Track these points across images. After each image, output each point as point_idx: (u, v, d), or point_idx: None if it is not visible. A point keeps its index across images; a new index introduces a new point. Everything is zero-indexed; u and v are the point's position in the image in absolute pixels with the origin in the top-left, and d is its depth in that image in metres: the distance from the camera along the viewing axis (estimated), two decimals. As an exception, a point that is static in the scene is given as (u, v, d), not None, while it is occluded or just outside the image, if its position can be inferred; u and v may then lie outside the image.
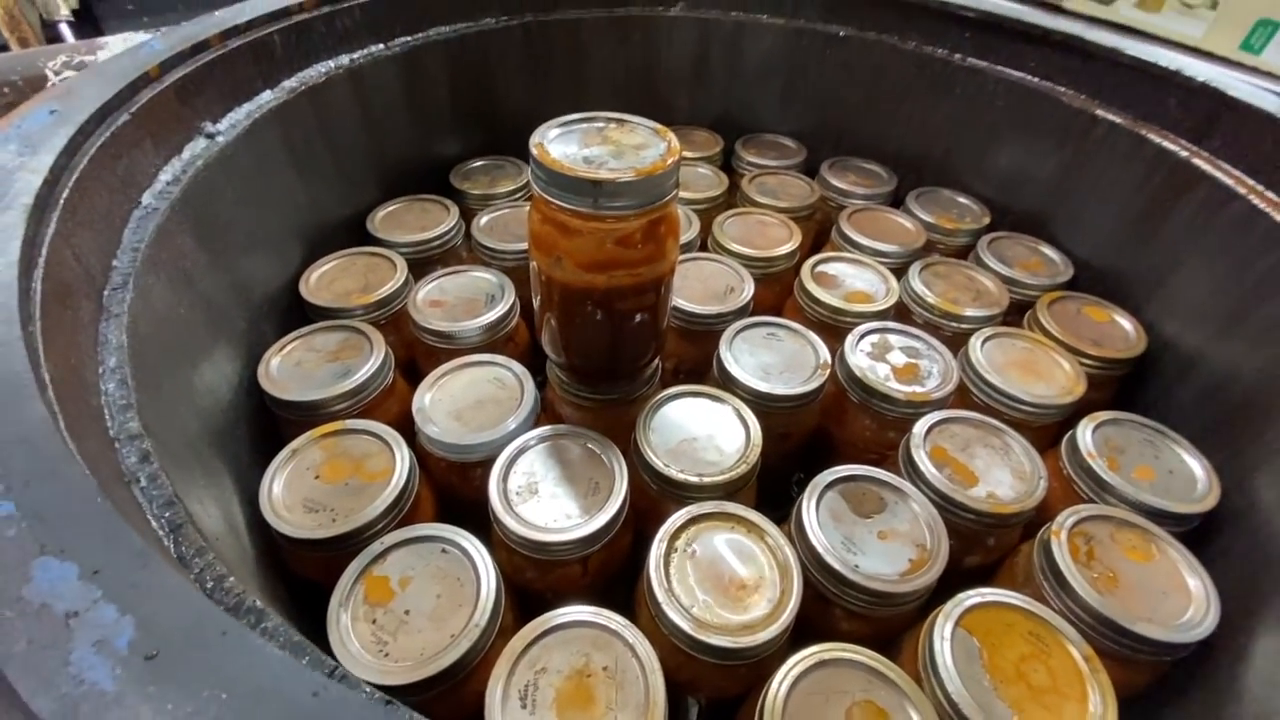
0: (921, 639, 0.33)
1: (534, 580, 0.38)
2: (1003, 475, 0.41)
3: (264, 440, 0.42)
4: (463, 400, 0.43)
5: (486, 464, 0.41)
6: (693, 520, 0.36)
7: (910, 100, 0.67)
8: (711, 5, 0.69)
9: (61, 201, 0.29)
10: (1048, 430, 0.47)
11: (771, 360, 0.47)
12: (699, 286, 0.53)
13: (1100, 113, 0.54)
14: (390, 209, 0.60)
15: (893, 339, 0.49)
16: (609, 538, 0.37)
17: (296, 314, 0.50)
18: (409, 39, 0.57)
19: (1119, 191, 0.54)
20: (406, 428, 0.41)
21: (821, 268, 0.55)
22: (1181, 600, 0.34)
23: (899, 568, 0.35)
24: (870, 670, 0.31)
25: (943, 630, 0.32)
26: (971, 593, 0.34)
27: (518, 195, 0.64)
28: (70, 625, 0.15)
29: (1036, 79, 0.59)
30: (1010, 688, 0.31)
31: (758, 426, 0.41)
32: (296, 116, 0.49)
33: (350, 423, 0.40)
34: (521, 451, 0.40)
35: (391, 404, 0.47)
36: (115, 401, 0.25)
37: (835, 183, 0.68)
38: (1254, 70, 0.72)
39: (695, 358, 0.52)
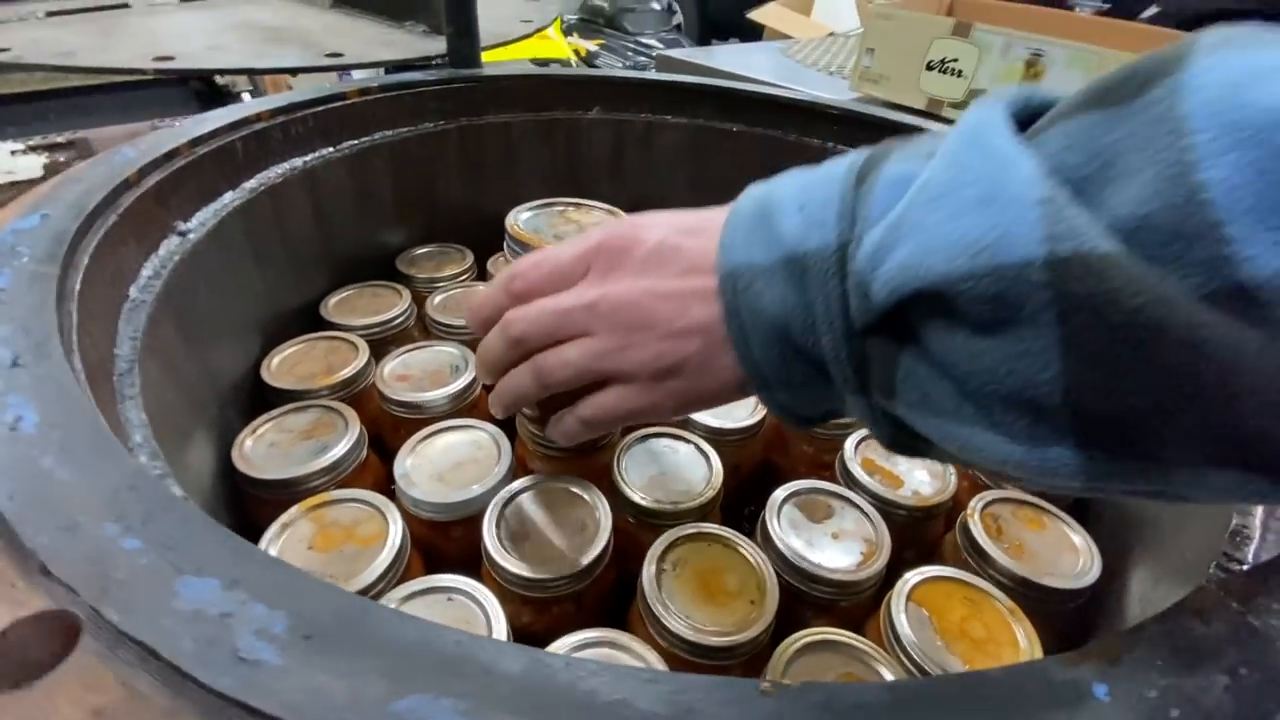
0: (881, 617, 0.38)
1: (531, 623, 0.40)
2: (922, 476, 0.48)
3: (244, 527, 0.42)
4: (442, 463, 0.46)
5: (469, 521, 0.43)
6: (675, 542, 0.40)
7: (797, 181, 0.79)
8: (624, 109, 0.79)
9: (76, 295, 0.31)
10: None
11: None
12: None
13: (945, 184, 0.68)
14: (343, 295, 0.62)
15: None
16: (601, 569, 0.40)
17: (259, 400, 0.51)
18: (356, 142, 0.62)
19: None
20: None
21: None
22: (1072, 557, 0.42)
23: (854, 560, 0.41)
24: (847, 647, 0.36)
25: (898, 606, 0.38)
26: (914, 572, 0.40)
27: (463, 277, 0.69)
28: (228, 623, 0.17)
29: (894, 160, 0.72)
30: (958, 644, 0.36)
31: (717, 457, 0.47)
32: (257, 213, 0.52)
33: (337, 492, 0.42)
34: (509, 501, 0.43)
35: (366, 476, 0.48)
36: (150, 471, 0.27)
37: (744, 251, 0.78)
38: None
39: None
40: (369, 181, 0.65)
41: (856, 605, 0.42)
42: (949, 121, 0.78)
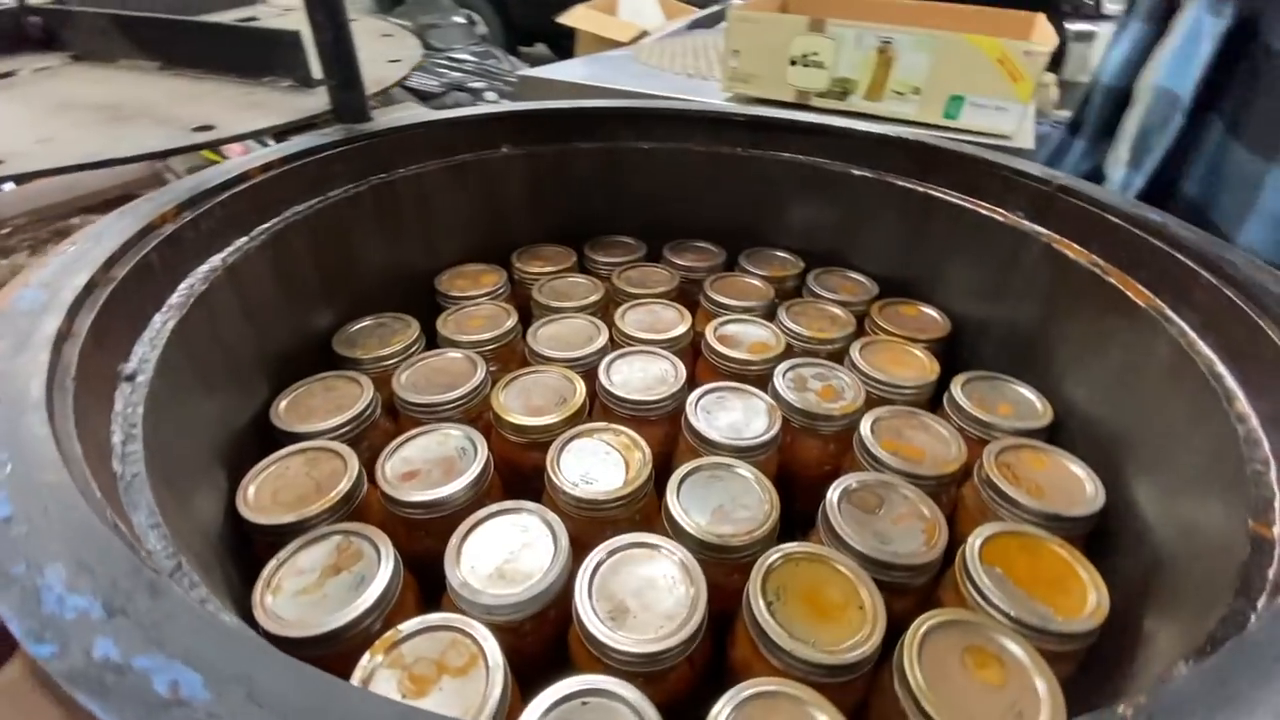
0: (962, 585, 0.42)
1: (654, 694, 0.39)
2: (935, 444, 0.53)
3: None
4: (495, 557, 0.42)
5: (541, 611, 0.41)
6: (770, 570, 0.41)
7: (713, 188, 0.82)
8: (533, 141, 0.77)
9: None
10: (923, 406, 0.61)
11: (734, 418, 0.54)
12: (637, 379, 0.58)
13: (855, 171, 0.74)
14: (293, 396, 0.55)
15: (803, 371, 0.60)
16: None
17: (242, 543, 0.44)
18: (269, 225, 0.55)
19: (887, 222, 0.74)
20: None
21: (720, 332, 0.65)
22: (1079, 487, 0.49)
23: (920, 539, 0.44)
24: (961, 622, 0.38)
25: (976, 570, 0.41)
26: (973, 535, 0.44)
27: (414, 348, 0.63)
28: None
29: (802, 156, 0.77)
30: (1037, 590, 0.41)
31: (764, 476, 0.48)
32: (192, 330, 0.44)
33: (405, 625, 0.37)
34: (594, 575, 0.40)
35: (409, 598, 0.43)
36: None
37: (681, 262, 0.79)
38: (956, 130, 1.05)
39: (651, 438, 0.57)
40: (291, 265, 0.57)
41: (929, 579, 0.45)
42: (818, 110, 0.84)
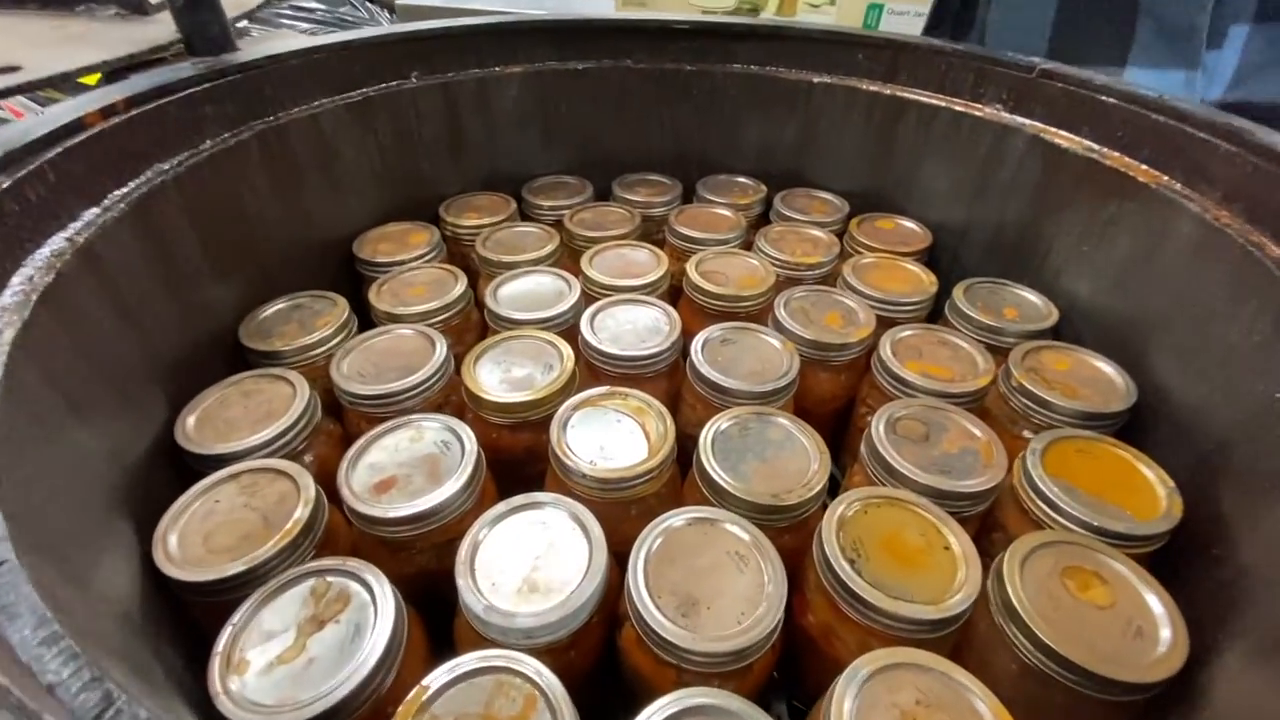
0: (1028, 502, 0.39)
1: (739, 687, 0.33)
2: (959, 359, 0.49)
3: None
4: (521, 564, 0.34)
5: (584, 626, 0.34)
6: (842, 527, 0.36)
7: (658, 111, 0.73)
8: (446, 67, 0.65)
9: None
10: (924, 320, 0.58)
11: (747, 362, 0.48)
12: (628, 332, 0.51)
13: (815, 79, 0.68)
14: (203, 409, 0.43)
15: (801, 301, 0.55)
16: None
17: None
18: (128, 190, 0.41)
19: (852, 131, 0.69)
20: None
21: (702, 268, 0.58)
22: (1108, 382, 0.47)
23: (978, 466, 0.41)
24: (1053, 544, 0.35)
25: (1042, 483, 0.38)
26: (1028, 452, 0.41)
27: (344, 330, 0.52)
28: None
29: (755, 67, 0.70)
30: (1107, 494, 0.38)
31: (808, 426, 0.42)
32: (43, 337, 0.31)
33: (433, 679, 0.29)
34: (647, 566, 0.34)
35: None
36: None
37: (634, 198, 0.71)
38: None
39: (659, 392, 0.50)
40: (167, 241, 0.44)
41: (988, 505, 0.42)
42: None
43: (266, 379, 0.46)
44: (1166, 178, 0.46)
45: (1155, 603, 0.33)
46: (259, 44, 0.56)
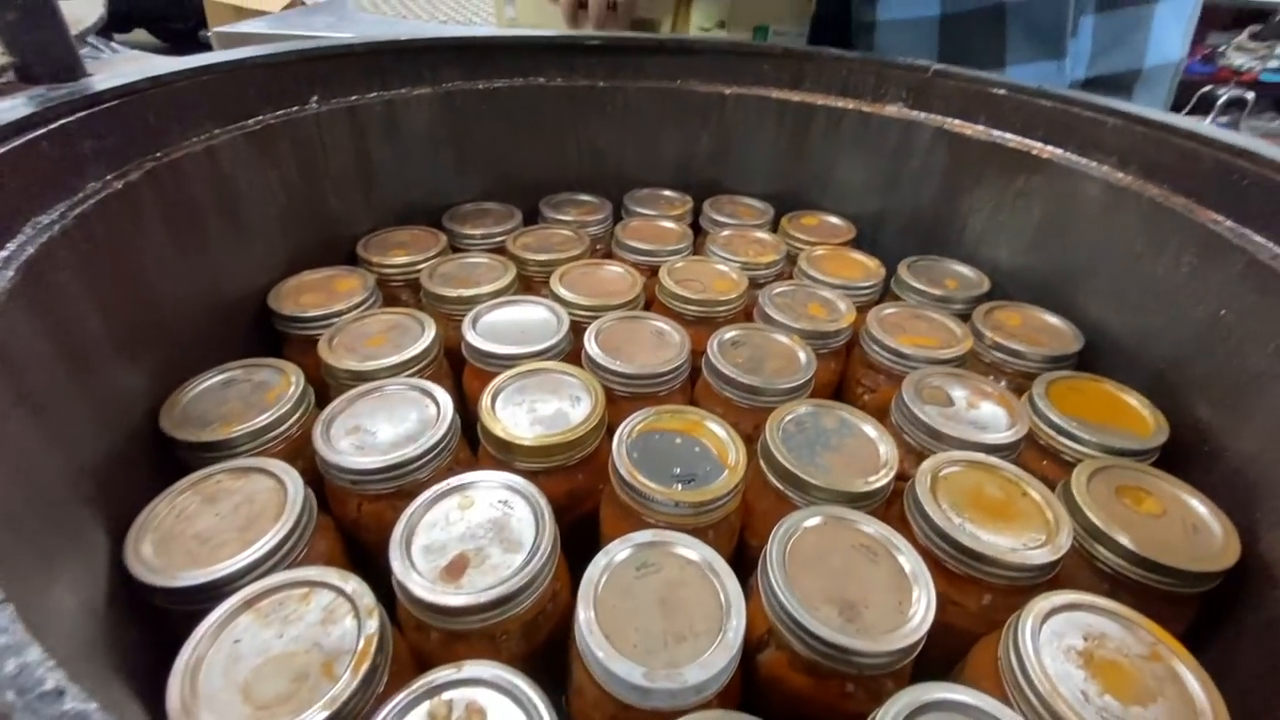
0: (1046, 438, 0.43)
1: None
2: (936, 328, 0.53)
3: None
4: (650, 611, 0.30)
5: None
6: (934, 484, 0.37)
7: (574, 128, 0.71)
8: (349, 90, 0.57)
9: None
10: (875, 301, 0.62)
11: (775, 364, 0.48)
12: (644, 351, 0.48)
13: (726, 90, 0.71)
14: (159, 525, 0.32)
15: (778, 298, 0.56)
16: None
17: None
18: (7, 251, 0.30)
19: (765, 136, 0.72)
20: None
21: (676, 273, 0.57)
22: (1058, 330, 0.54)
23: (1007, 416, 0.44)
24: (1102, 469, 0.39)
25: (1057, 419, 0.43)
26: (1034, 388, 0.45)
27: (305, 402, 0.43)
28: None
29: (667, 82, 0.71)
30: (1109, 420, 0.44)
31: (871, 418, 0.43)
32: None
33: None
34: (784, 563, 0.31)
35: None
36: None
37: (566, 218, 0.68)
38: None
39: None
40: (64, 314, 0.33)
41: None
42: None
43: (231, 475, 0.36)
44: (1063, 151, 0.55)
45: (1196, 503, 0.38)
46: (114, 66, 0.45)
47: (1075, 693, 0.27)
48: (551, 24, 1.11)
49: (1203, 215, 0.44)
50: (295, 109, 0.53)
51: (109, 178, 0.38)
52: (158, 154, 0.42)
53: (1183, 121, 0.48)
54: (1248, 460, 0.38)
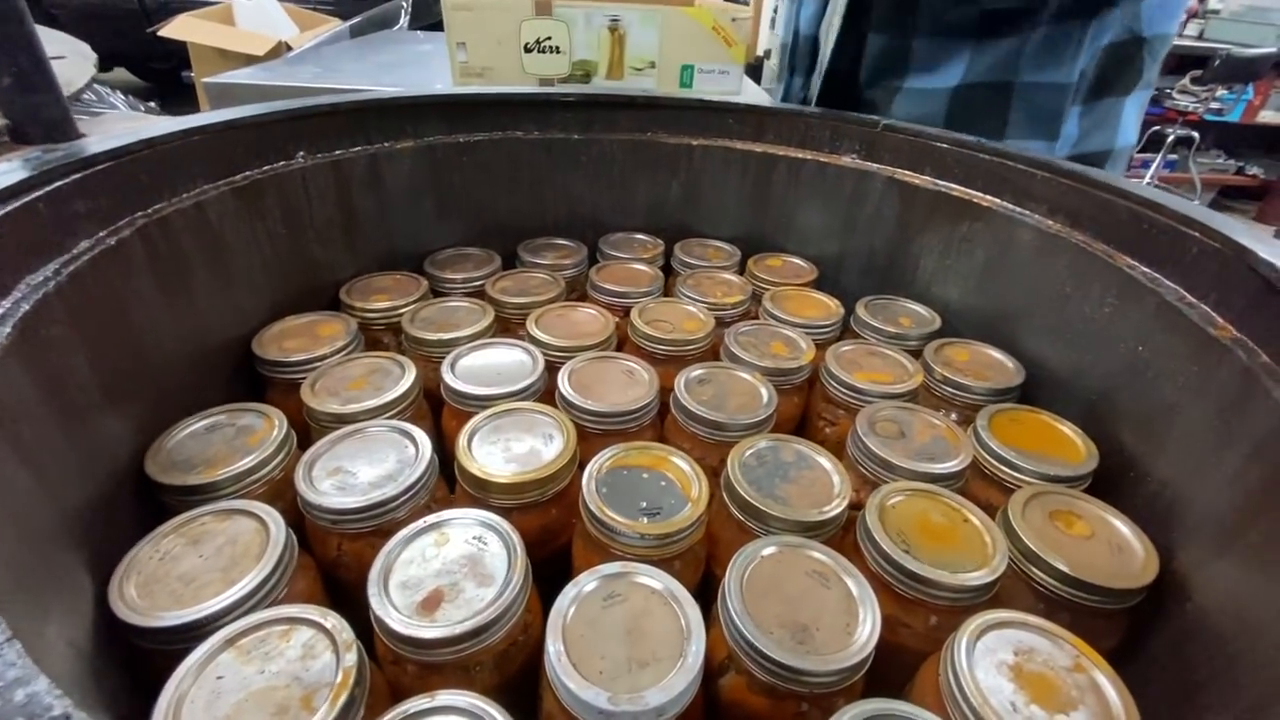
0: (987, 466, 0.46)
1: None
2: (889, 364, 0.57)
3: None
4: (614, 636, 0.32)
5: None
6: (881, 516, 0.39)
7: (550, 178, 0.75)
8: (334, 145, 0.60)
9: None
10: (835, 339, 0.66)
11: (739, 400, 0.51)
12: (615, 390, 0.51)
13: (694, 141, 0.75)
14: (142, 567, 0.34)
15: (740, 338, 0.59)
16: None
17: None
18: (2, 309, 0.32)
19: (731, 185, 0.77)
20: None
21: (645, 317, 0.60)
22: (1001, 365, 0.57)
23: (951, 448, 0.47)
24: (1040, 495, 0.42)
25: (998, 449, 0.46)
26: (978, 419, 0.48)
27: (287, 446, 0.44)
28: None
29: (639, 134, 0.75)
30: (1044, 449, 0.47)
31: (826, 451, 0.45)
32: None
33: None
34: (742, 587, 0.33)
35: None
36: None
37: (543, 262, 0.71)
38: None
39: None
40: (57, 370, 0.35)
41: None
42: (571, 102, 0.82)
43: (215, 517, 0.38)
44: (1000, 200, 0.60)
45: (1121, 525, 0.41)
46: (107, 125, 0.48)
47: (1005, 703, 0.30)
48: (506, 67, 1.17)
49: (1120, 260, 0.49)
50: (282, 164, 0.56)
51: (101, 234, 0.40)
52: (148, 211, 0.44)
53: (1100, 175, 0.52)
54: (1164, 484, 0.42)
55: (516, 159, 0.72)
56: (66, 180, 0.39)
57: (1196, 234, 0.43)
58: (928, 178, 0.65)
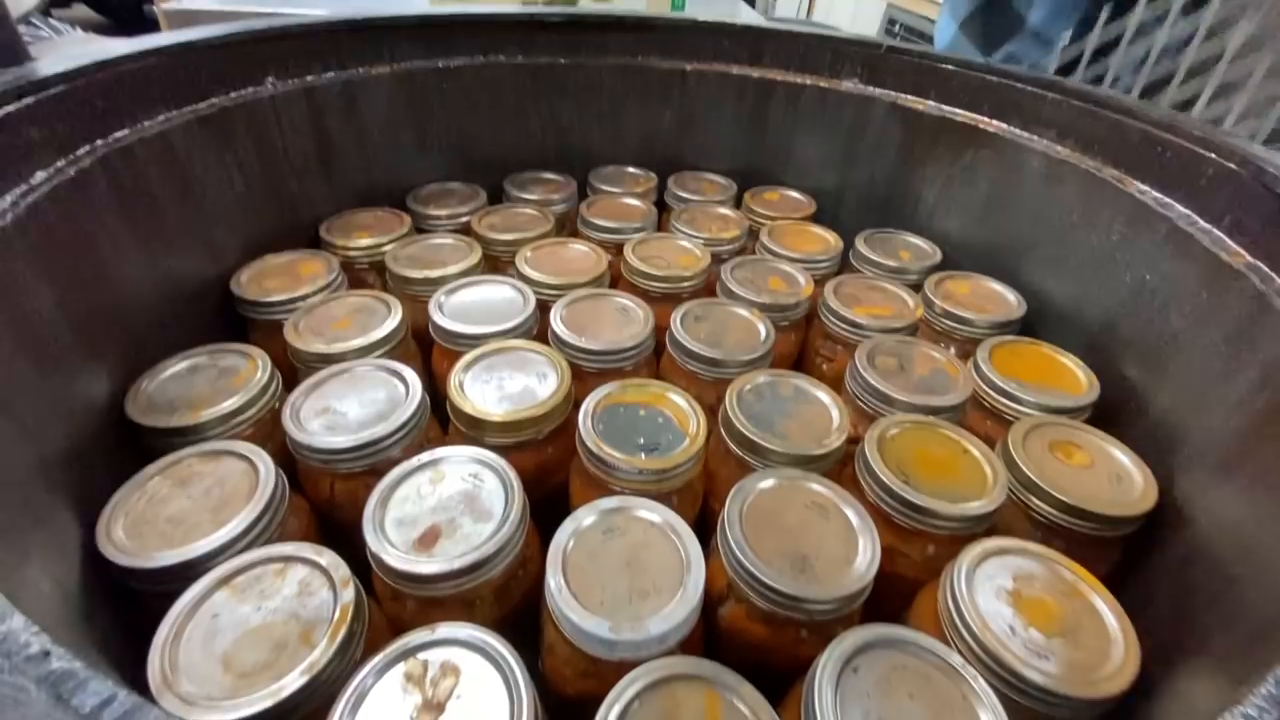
0: (987, 399, 0.46)
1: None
2: (890, 298, 0.56)
3: None
4: (615, 567, 0.32)
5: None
6: (884, 450, 0.39)
7: (537, 106, 0.71)
8: (305, 70, 0.56)
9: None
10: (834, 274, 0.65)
11: (737, 336, 0.49)
12: (610, 328, 0.49)
13: (688, 66, 0.71)
14: (130, 508, 0.33)
15: (738, 273, 0.58)
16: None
17: None
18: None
19: (727, 113, 0.73)
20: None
21: (639, 253, 0.58)
22: (1001, 298, 0.56)
23: (952, 381, 0.47)
24: (1040, 425, 0.42)
25: (998, 381, 0.45)
26: (979, 351, 0.48)
27: (272, 386, 0.43)
28: None
29: (629, 59, 0.71)
30: (1046, 381, 0.46)
31: (834, 394, 0.44)
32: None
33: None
34: (741, 521, 0.33)
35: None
36: None
37: (531, 197, 0.68)
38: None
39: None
40: (20, 305, 0.33)
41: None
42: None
43: (201, 458, 0.37)
44: (1008, 125, 0.57)
45: (1121, 455, 0.41)
46: (59, 49, 0.44)
47: (1004, 627, 0.30)
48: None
49: (1130, 186, 0.47)
50: (250, 91, 0.52)
51: (59, 164, 0.38)
52: (109, 140, 0.41)
53: (1111, 95, 0.50)
54: (1166, 413, 0.41)
55: (500, 86, 0.69)
56: (17, 105, 0.36)
57: (1213, 155, 0.42)
58: (932, 103, 0.62)
